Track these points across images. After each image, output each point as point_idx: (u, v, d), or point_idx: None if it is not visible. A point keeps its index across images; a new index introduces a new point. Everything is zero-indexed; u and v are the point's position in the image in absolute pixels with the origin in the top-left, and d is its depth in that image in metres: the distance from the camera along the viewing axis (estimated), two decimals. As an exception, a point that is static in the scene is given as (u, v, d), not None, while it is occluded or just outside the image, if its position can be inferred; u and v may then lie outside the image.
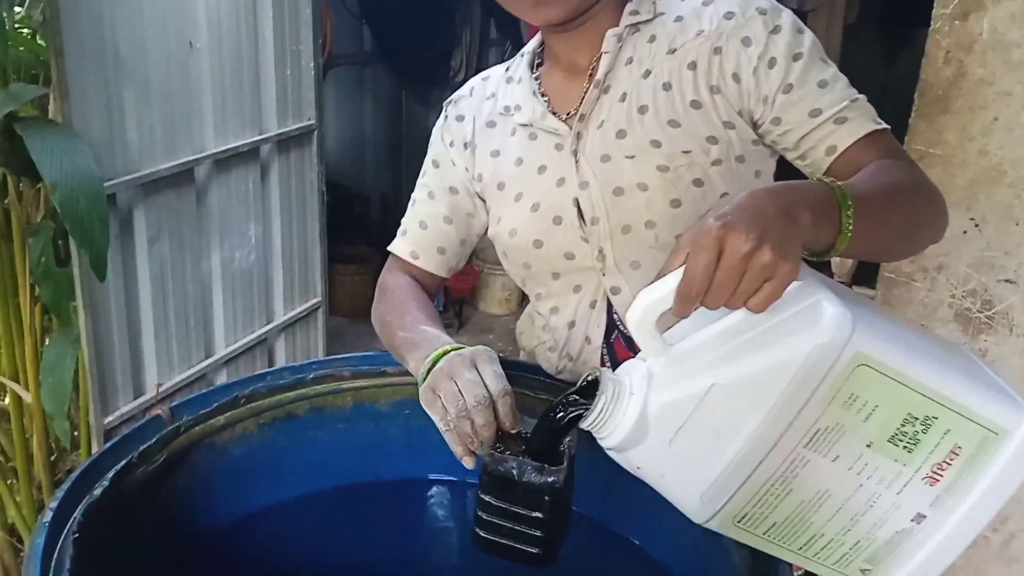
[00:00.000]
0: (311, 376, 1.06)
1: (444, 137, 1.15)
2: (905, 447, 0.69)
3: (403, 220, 1.17)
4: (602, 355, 1.07)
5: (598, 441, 0.75)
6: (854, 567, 0.74)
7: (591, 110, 1.01)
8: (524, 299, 1.24)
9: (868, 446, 0.69)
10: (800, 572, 0.81)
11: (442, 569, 1.15)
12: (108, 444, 0.89)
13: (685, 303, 0.67)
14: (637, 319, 0.70)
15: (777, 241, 0.65)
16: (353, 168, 4.55)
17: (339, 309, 3.81)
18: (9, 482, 2.18)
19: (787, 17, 0.96)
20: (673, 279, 0.68)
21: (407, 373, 1.09)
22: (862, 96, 0.95)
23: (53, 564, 0.73)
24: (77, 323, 2.05)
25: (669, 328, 0.75)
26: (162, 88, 2.09)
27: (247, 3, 2.33)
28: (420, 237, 1.14)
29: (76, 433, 2.26)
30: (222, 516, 1.03)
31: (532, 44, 1.12)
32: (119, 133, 2.00)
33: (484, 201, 1.12)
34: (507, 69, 1.14)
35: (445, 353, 0.87)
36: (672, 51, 0.99)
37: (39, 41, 2.26)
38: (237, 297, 2.48)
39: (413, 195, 1.17)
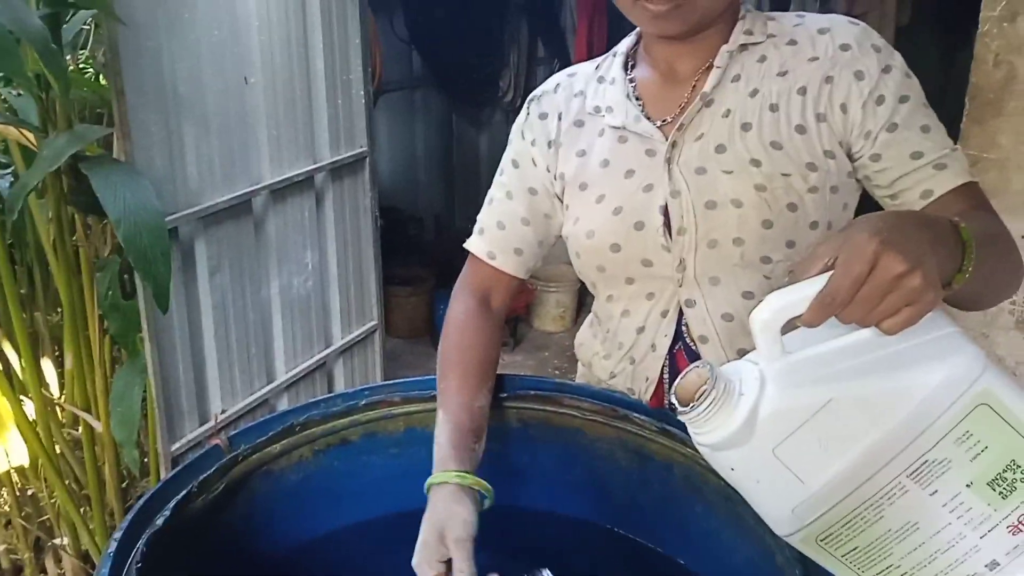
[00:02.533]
0: (363, 402, 1.08)
1: (525, 135, 1.14)
2: (1000, 492, 0.68)
3: (479, 217, 1.17)
4: (663, 365, 1.07)
5: (693, 437, 0.74)
6: None
7: (691, 121, 1.01)
8: (579, 316, 1.24)
9: (968, 486, 0.68)
10: None
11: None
12: (169, 475, 0.92)
13: (821, 312, 0.67)
14: (766, 319, 0.69)
15: (928, 268, 0.65)
16: (406, 190, 4.61)
17: (396, 331, 3.86)
18: (83, 509, 2.25)
19: (899, 59, 0.97)
20: (811, 285, 0.68)
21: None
22: (959, 148, 0.97)
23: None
24: (144, 354, 2.12)
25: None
26: (219, 123, 2.15)
27: (298, 37, 2.39)
28: (497, 237, 1.13)
29: (145, 460, 2.33)
30: (282, 542, 1.05)
31: (626, 44, 1.11)
32: (180, 168, 2.07)
33: (562, 201, 1.11)
34: (596, 67, 1.13)
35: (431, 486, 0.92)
36: (783, 73, 0.99)
37: (102, 82, 2.36)
38: (296, 323, 2.53)
39: (490, 192, 1.17)
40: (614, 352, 1.12)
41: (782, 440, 0.70)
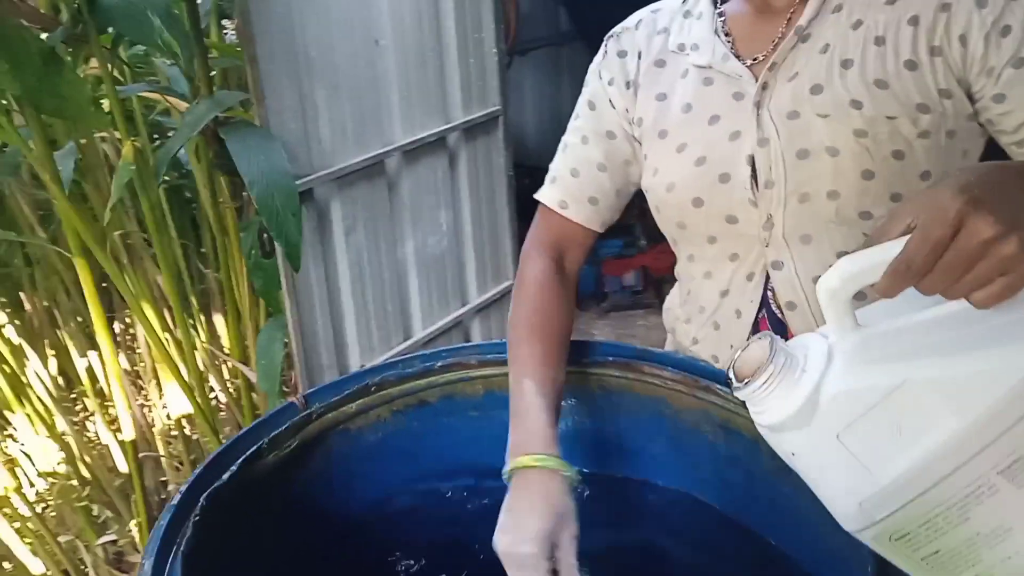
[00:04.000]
0: (439, 364, 1.07)
1: (603, 75, 1.06)
2: None
3: (551, 166, 1.10)
4: (749, 334, 0.99)
5: (753, 415, 0.68)
6: None
7: (784, 59, 0.92)
8: None
9: None
10: None
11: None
12: (242, 431, 0.94)
13: (897, 281, 0.58)
14: (833, 287, 0.62)
15: None
16: (550, 149, 4.56)
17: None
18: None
19: None
20: (888, 250, 0.59)
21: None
22: None
23: (175, 542, 0.79)
24: (284, 310, 2.22)
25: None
26: (351, 86, 2.19)
27: (429, -3, 2.39)
28: (571, 185, 1.07)
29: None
30: (359, 500, 1.06)
31: None
32: (313, 130, 2.13)
33: (641, 149, 1.04)
34: (684, 1, 1.04)
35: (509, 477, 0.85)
36: (891, 2, 0.88)
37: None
38: (432, 282, 2.57)
39: (564, 139, 1.10)
40: (695, 316, 1.05)
41: (848, 424, 0.62)
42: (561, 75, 4.52)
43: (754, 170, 0.91)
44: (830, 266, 0.62)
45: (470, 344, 1.10)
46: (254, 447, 0.92)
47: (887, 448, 0.61)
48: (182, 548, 0.77)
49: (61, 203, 1.70)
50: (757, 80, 0.92)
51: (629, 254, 3.66)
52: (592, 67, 1.08)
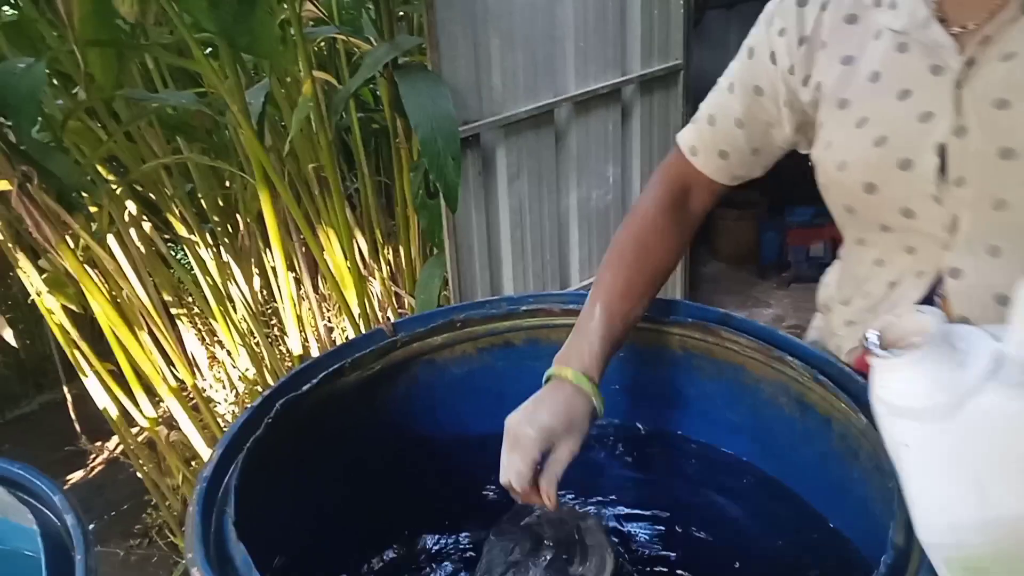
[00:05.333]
0: (524, 308, 1.09)
1: (775, 22, 0.92)
2: None
3: (701, 104, 1.02)
4: None
5: (876, 387, 0.61)
6: None
7: (1001, 33, 0.75)
8: None
9: None
10: None
11: (646, 500, 1.11)
12: (329, 350, 1.02)
13: None
14: None
15: None
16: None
17: (719, 254, 3.74)
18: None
19: None
20: None
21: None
22: None
23: (247, 439, 0.88)
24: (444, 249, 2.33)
25: None
26: (526, 35, 2.23)
27: (615, -55, 2.36)
28: (705, 132, 1.00)
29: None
30: (441, 430, 1.12)
31: None
32: (485, 78, 2.19)
33: (812, 115, 0.90)
34: None
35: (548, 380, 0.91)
36: None
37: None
38: (593, 235, 2.58)
39: (719, 79, 1.00)
40: (855, 299, 0.94)
41: (988, 440, 0.56)
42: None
43: (943, 161, 0.78)
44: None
45: (555, 292, 1.11)
46: (336, 365, 1.00)
47: (1016, 482, 0.55)
48: (248, 444, 0.85)
49: (247, 133, 1.87)
50: (963, 54, 0.77)
51: (820, 223, 3.45)
52: (767, 9, 0.94)
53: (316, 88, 2.02)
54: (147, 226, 2.61)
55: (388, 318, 1.08)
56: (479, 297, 2.39)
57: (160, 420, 2.33)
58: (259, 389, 2.90)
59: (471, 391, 1.12)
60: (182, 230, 2.64)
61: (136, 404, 2.16)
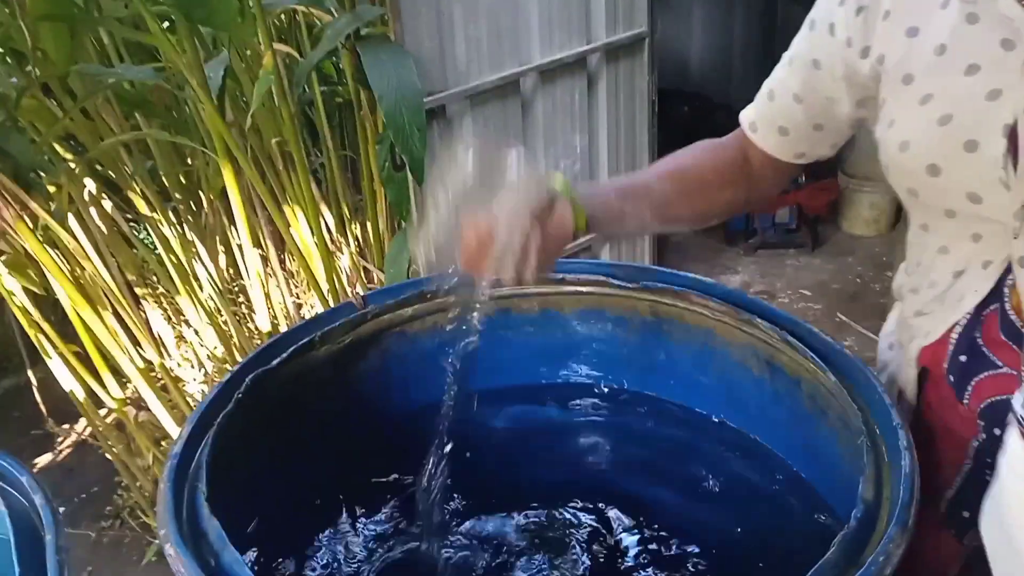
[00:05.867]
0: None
1: None
2: None
3: (766, 81, 0.97)
4: (957, 323, 0.85)
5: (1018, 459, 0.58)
6: None
7: None
8: (898, 222, 0.99)
9: None
10: None
11: (621, 467, 1.12)
12: (297, 324, 1.01)
13: None
14: None
15: None
16: (718, 78, 4.38)
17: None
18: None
19: None
20: None
21: (587, 282, 1.08)
22: None
23: (216, 415, 0.87)
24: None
25: None
26: (490, 3, 2.20)
27: (577, -89, 2.33)
28: (765, 108, 0.95)
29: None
30: (413, 401, 1.12)
31: None
32: (448, 48, 2.16)
33: (874, 90, 0.84)
34: None
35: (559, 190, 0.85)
36: None
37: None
38: (562, 205, 2.57)
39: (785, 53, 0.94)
40: (923, 288, 0.90)
41: None
42: (735, 1, 4.31)
43: (1014, 144, 0.73)
44: None
45: (527, 261, 1.11)
46: (306, 339, 0.99)
47: None
48: (219, 420, 0.85)
49: (207, 108, 1.84)
50: None
51: (785, 190, 3.49)
52: None
53: (277, 61, 1.98)
54: (108, 205, 2.57)
55: (357, 292, 1.06)
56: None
57: (128, 401, 2.31)
58: (228, 367, 2.87)
59: (443, 362, 1.12)
60: (144, 208, 2.60)
61: (103, 385, 2.13)
